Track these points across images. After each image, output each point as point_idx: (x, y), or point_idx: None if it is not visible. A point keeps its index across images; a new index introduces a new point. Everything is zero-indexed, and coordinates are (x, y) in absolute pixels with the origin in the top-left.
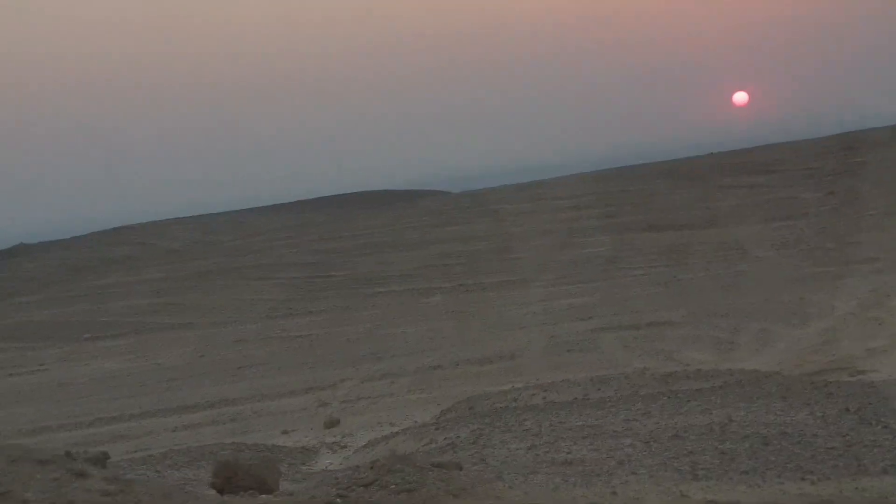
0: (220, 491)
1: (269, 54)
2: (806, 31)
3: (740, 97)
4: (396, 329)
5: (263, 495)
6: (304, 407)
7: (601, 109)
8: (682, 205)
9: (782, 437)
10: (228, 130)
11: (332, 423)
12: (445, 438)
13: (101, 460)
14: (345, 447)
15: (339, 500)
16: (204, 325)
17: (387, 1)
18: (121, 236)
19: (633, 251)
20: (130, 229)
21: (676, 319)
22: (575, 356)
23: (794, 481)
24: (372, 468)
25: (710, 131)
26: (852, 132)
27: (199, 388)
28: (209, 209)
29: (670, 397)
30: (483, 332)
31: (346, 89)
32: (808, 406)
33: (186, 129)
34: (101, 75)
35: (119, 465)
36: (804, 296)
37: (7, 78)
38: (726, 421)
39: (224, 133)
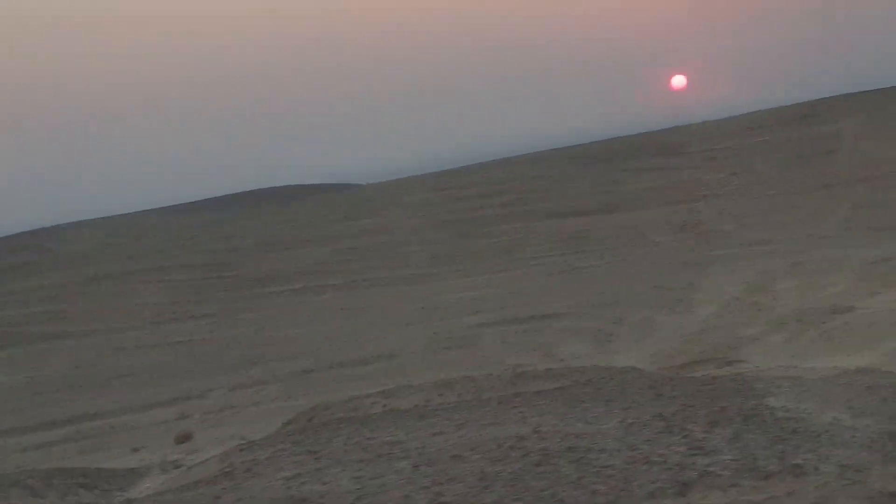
0: None
1: (166, 51)
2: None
3: (678, 80)
4: (281, 331)
5: None
6: (165, 420)
7: (522, 95)
8: (587, 190)
9: (566, 453)
10: (136, 128)
11: (183, 439)
12: (243, 462)
13: None
14: (180, 466)
15: None
16: (87, 333)
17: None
18: (20, 241)
19: (534, 240)
20: (31, 234)
21: (563, 311)
22: (453, 354)
23: None
24: None
25: (642, 114)
26: (759, 111)
27: (64, 403)
28: (115, 210)
29: (502, 403)
30: (368, 330)
31: (256, 83)
32: (625, 411)
33: (91, 127)
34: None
35: None
36: (694, 281)
37: None
38: (530, 432)
39: (129, 131)
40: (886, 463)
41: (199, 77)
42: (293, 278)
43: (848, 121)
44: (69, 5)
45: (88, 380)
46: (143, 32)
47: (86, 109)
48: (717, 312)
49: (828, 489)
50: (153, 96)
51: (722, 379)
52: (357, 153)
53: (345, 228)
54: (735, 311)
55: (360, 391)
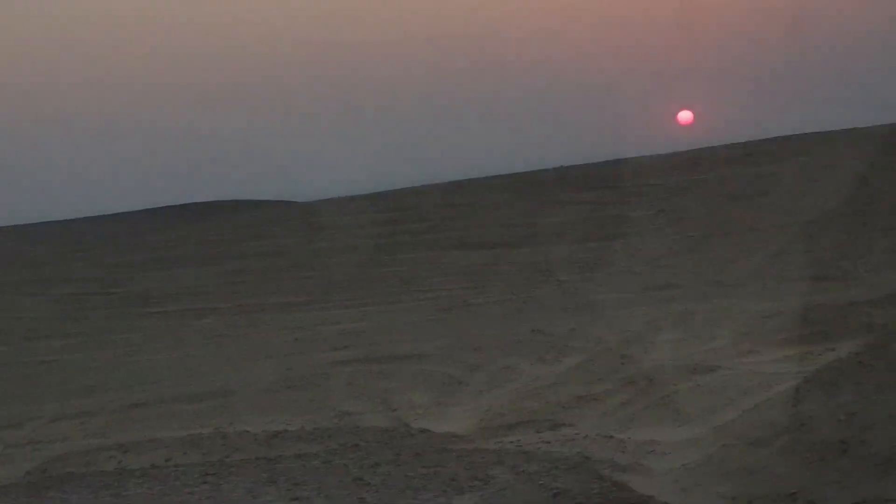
0: None
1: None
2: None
3: (685, 116)
4: (144, 356)
5: None
6: None
7: (469, 121)
8: (507, 221)
9: None
10: (72, 132)
11: None
12: None
13: None
14: None
15: None
16: None
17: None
18: None
19: (435, 270)
20: None
21: (430, 352)
22: (293, 395)
23: None
24: None
25: (582, 145)
26: (698, 149)
27: None
28: (41, 217)
29: (241, 468)
30: (224, 362)
31: (196, 92)
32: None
33: (37, 132)
34: None
35: None
36: (577, 327)
37: None
38: None
39: (60, 136)
40: None
41: (154, 83)
42: (178, 299)
43: (787, 163)
44: None
45: None
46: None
47: None
48: (580, 364)
49: None
50: (89, 99)
51: (503, 452)
52: (312, 169)
53: (248, 248)
54: (598, 365)
55: (163, 433)
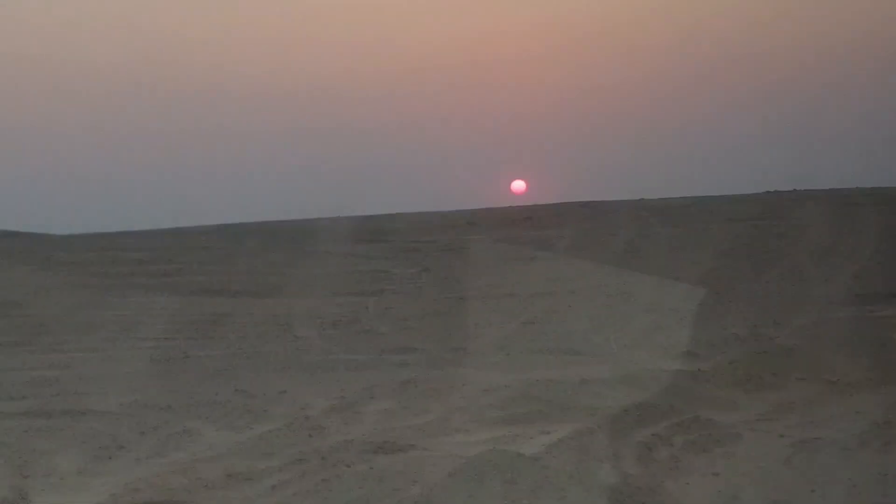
0: None
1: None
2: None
3: (518, 185)
4: None
5: None
6: None
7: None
8: (253, 269)
9: None
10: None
11: None
12: None
13: None
14: None
15: None
16: None
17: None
18: None
19: (162, 318)
20: None
21: (112, 409)
22: None
23: None
24: None
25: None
26: (496, 209)
27: None
28: None
29: None
30: None
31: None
32: None
33: None
34: None
35: None
36: (290, 389)
37: None
38: None
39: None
40: None
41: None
42: None
43: (567, 229)
44: None
45: None
46: None
47: None
48: (264, 434)
49: None
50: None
51: None
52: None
53: None
54: (282, 436)
55: None
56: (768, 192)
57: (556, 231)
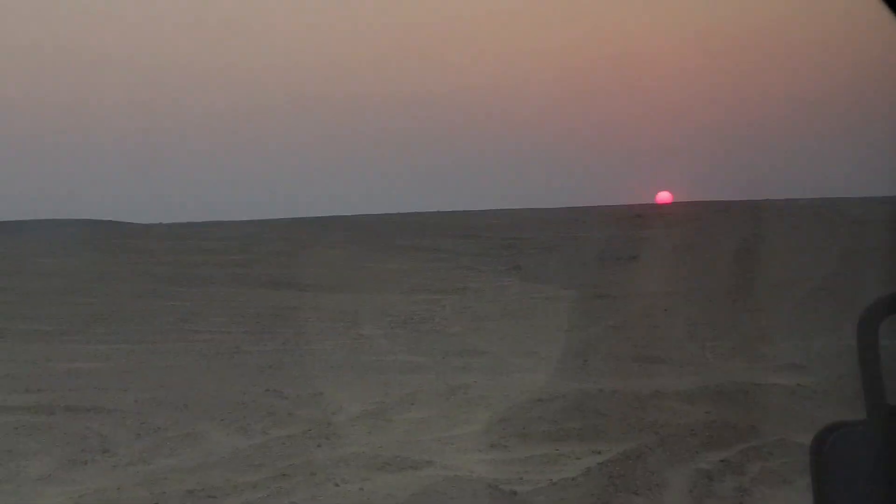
0: None
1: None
2: None
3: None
4: None
5: None
6: None
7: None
8: (331, 263)
9: None
10: None
11: None
12: None
13: None
14: None
15: None
16: None
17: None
18: None
19: (222, 310)
20: None
21: (125, 406)
22: None
23: None
24: None
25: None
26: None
27: None
28: None
29: None
30: None
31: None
32: None
33: None
34: None
35: None
36: (326, 391)
37: None
38: None
39: None
40: None
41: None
42: None
43: (679, 228)
44: None
45: None
46: None
47: None
48: (269, 442)
49: None
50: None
51: None
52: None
53: (32, 266)
54: (289, 444)
55: None
56: None
57: (664, 231)
